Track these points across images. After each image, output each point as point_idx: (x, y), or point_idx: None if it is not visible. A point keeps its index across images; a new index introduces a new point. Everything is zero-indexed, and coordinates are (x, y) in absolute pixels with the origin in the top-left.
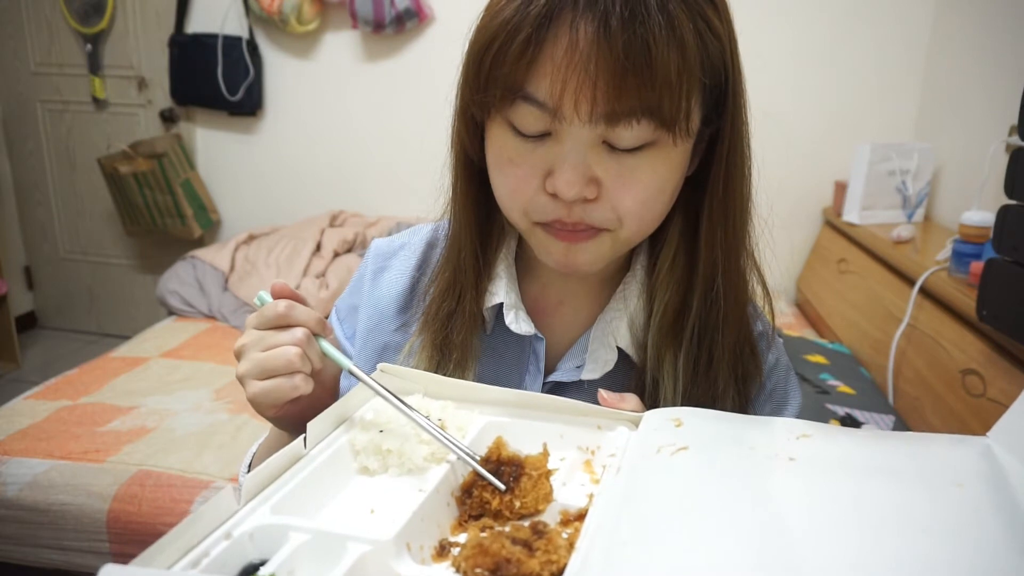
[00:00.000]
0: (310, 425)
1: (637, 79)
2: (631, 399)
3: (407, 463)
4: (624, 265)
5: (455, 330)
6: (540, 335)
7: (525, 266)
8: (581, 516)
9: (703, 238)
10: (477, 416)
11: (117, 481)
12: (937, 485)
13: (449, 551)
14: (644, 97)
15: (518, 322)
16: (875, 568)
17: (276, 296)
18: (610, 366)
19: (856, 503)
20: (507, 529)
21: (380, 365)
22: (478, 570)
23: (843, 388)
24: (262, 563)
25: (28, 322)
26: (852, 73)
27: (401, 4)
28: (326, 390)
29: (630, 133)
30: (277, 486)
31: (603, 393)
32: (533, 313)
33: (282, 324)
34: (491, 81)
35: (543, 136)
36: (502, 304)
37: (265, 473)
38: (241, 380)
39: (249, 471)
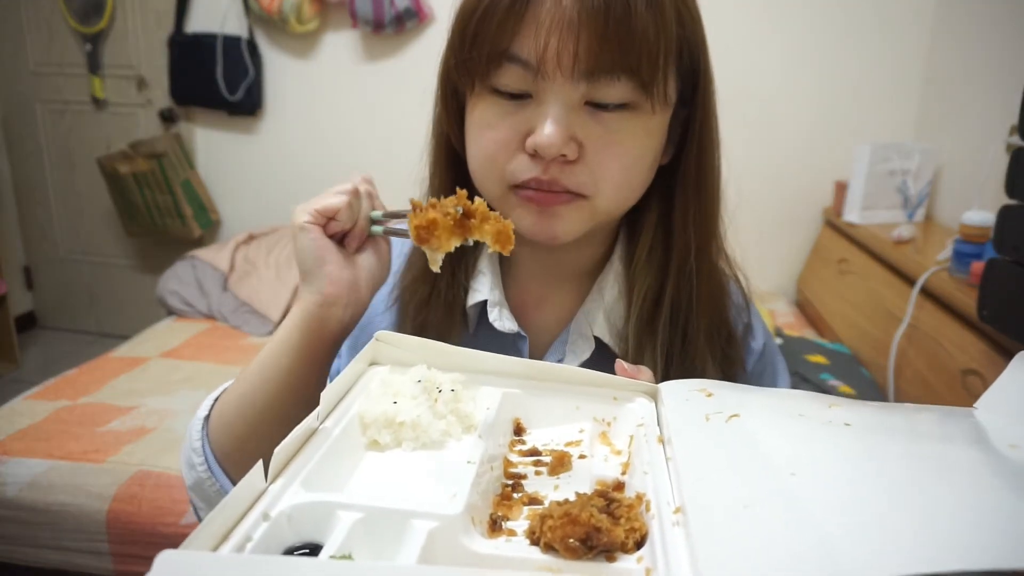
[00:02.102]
0: (322, 396)
1: (617, 36)
2: (646, 372)
3: (422, 437)
4: (604, 259)
5: (431, 314)
6: (523, 333)
7: (508, 264)
8: (619, 487)
9: (676, 219)
10: (490, 389)
11: (117, 481)
12: (987, 444)
13: (500, 525)
14: (624, 55)
15: (502, 320)
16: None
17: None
18: (587, 354)
19: (936, 462)
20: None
21: (377, 334)
22: (570, 540)
23: (843, 388)
24: (307, 545)
25: (28, 322)
26: (852, 73)
27: (401, 4)
28: (359, 261)
29: (611, 92)
30: (300, 462)
31: (621, 364)
32: (516, 311)
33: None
34: (477, 43)
35: (525, 101)
36: (485, 302)
37: (286, 449)
38: (292, 214)
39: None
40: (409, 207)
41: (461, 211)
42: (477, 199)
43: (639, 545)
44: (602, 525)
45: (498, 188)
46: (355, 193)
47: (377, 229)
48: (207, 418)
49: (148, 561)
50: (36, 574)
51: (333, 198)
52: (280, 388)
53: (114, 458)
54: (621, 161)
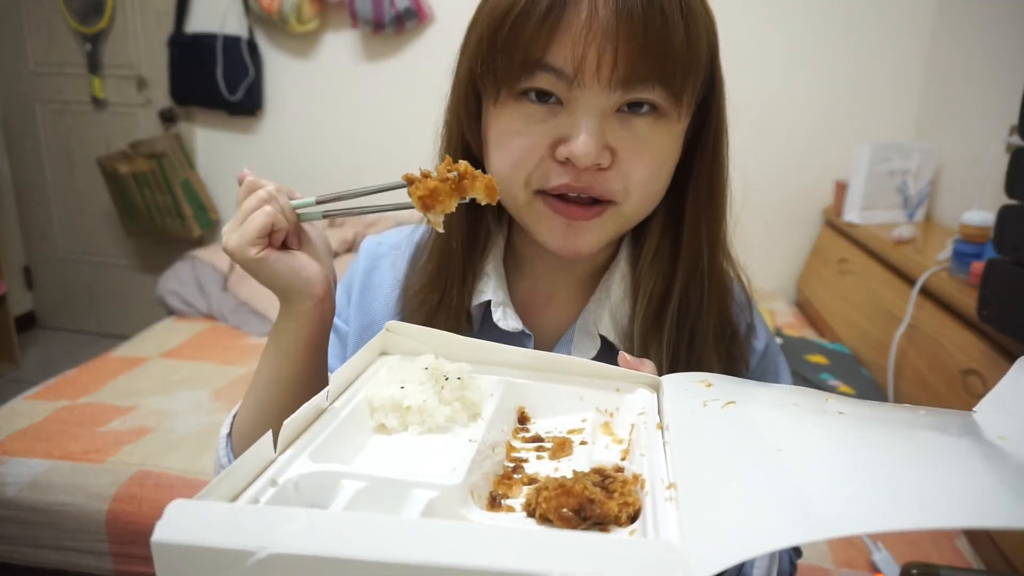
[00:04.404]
0: (332, 378)
1: (655, 47)
2: (649, 364)
3: (428, 421)
4: (610, 258)
5: (439, 323)
6: (528, 331)
7: (515, 263)
8: (619, 470)
9: (688, 222)
10: (495, 378)
11: (117, 481)
12: (974, 436)
13: (500, 502)
14: (661, 66)
15: (506, 319)
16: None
17: (240, 179)
18: (593, 353)
19: (926, 448)
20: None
21: (387, 324)
22: (563, 510)
23: (843, 388)
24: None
25: (28, 322)
26: (852, 73)
27: (401, 4)
28: (311, 250)
29: (644, 98)
30: (308, 437)
31: (624, 355)
32: (523, 309)
33: (252, 191)
34: (507, 51)
35: (554, 108)
36: (489, 302)
37: (295, 423)
38: (224, 248)
39: (231, 427)
40: (346, 189)
41: (457, 175)
42: (462, 161)
43: (633, 519)
44: (596, 497)
45: (524, 194)
46: (272, 198)
47: (312, 213)
48: (230, 435)
49: (148, 561)
50: (36, 574)
51: (260, 216)
52: (296, 393)
53: (114, 458)
54: (650, 167)
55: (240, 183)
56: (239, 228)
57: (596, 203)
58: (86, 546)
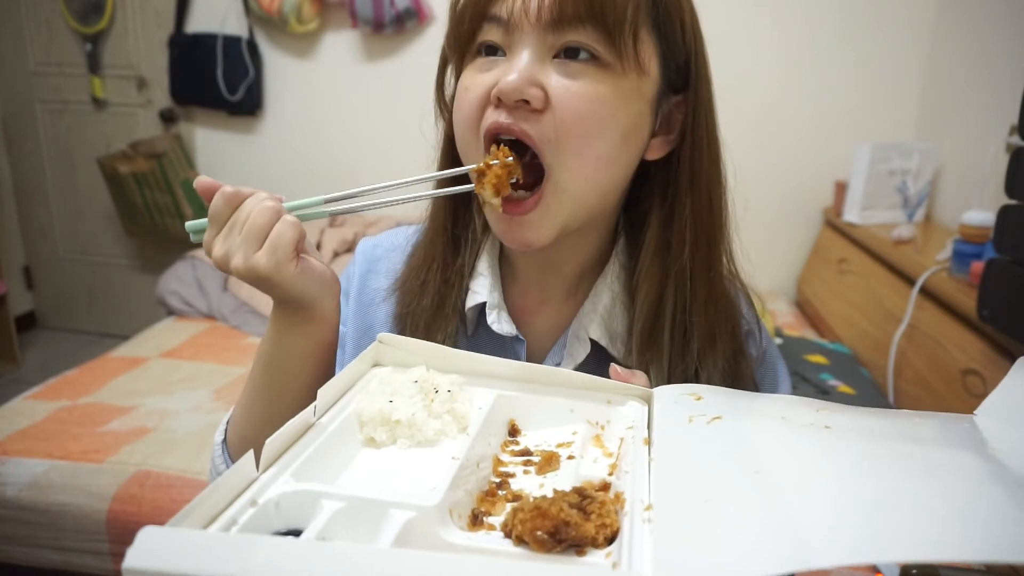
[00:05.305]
0: (320, 392)
1: None
2: (641, 376)
3: (417, 435)
4: (603, 260)
5: (421, 302)
6: (521, 337)
7: (508, 267)
8: (605, 487)
9: (675, 215)
10: (486, 390)
11: (116, 481)
12: (956, 445)
13: (482, 520)
14: (589, 2)
15: (500, 323)
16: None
17: (204, 189)
18: (581, 358)
19: (908, 462)
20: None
21: (380, 336)
22: (538, 533)
23: (843, 388)
24: (291, 531)
25: (28, 322)
26: (852, 73)
27: (401, 4)
28: (306, 248)
29: (578, 41)
30: (293, 454)
31: (615, 368)
32: (517, 313)
33: (237, 203)
34: (463, 10)
35: (498, 60)
36: (484, 304)
37: (280, 440)
38: (246, 273)
39: (226, 433)
40: (360, 187)
41: (513, 158)
42: (503, 147)
43: (610, 541)
44: (571, 519)
45: (478, 157)
46: (281, 207)
47: (314, 214)
48: (224, 442)
49: None
50: (36, 574)
51: (289, 229)
52: (306, 397)
53: (114, 458)
54: (583, 110)
55: (206, 193)
56: (265, 248)
57: (531, 193)
58: (86, 546)
